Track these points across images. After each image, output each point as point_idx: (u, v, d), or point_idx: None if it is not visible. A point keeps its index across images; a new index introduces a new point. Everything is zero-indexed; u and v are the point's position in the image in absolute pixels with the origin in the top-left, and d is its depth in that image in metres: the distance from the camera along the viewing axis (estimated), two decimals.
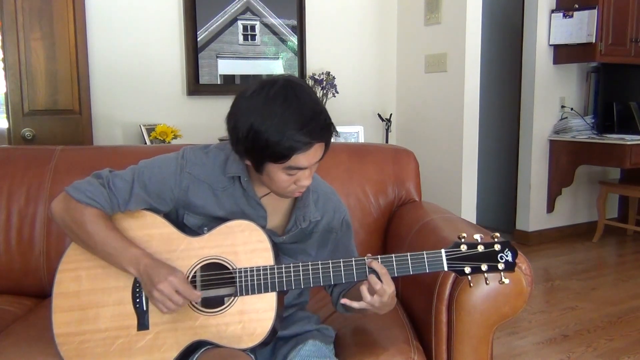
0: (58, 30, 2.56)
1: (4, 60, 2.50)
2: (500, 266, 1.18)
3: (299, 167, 1.15)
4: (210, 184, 1.28)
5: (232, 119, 1.17)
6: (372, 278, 1.16)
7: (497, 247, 1.19)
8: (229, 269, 1.22)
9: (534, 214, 4.26)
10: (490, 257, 1.18)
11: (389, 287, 1.17)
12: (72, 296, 1.24)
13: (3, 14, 2.44)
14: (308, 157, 1.14)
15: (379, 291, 1.16)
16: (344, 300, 1.20)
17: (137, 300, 1.23)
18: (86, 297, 1.24)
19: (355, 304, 1.18)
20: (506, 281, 1.19)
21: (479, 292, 1.32)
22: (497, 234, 1.21)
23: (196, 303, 1.22)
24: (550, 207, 4.32)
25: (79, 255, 1.26)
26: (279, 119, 1.10)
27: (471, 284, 1.21)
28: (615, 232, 4.50)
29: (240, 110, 1.16)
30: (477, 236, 1.20)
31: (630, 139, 3.86)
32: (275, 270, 1.20)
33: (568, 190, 4.37)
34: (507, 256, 1.19)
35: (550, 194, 4.30)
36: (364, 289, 1.16)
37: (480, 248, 1.18)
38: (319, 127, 1.13)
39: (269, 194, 1.29)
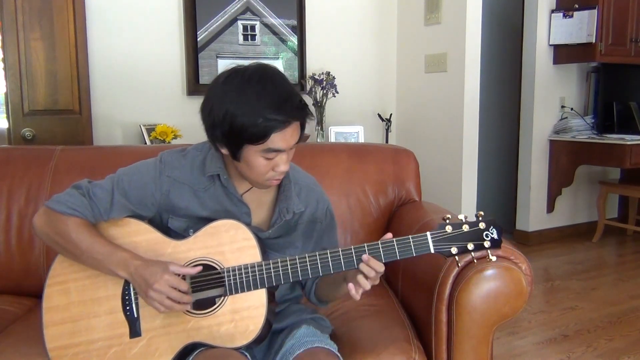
0: (58, 30, 2.56)
1: (4, 60, 2.50)
2: (487, 244, 1.18)
3: (277, 148, 1.16)
4: (191, 185, 1.28)
5: (208, 105, 1.18)
6: (365, 267, 1.16)
7: (482, 225, 1.19)
8: (217, 269, 1.22)
9: (534, 214, 4.26)
10: (475, 235, 1.18)
11: (380, 270, 1.17)
12: (62, 309, 1.24)
13: (3, 14, 2.44)
14: (285, 138, 1.16)
15: (373, 278, 1.17)
16: (351, 289, 1.18)
17: (128, 307, 1.23)
18: (76, 308, 1.24)
19: (354, 292, 1.18)
20: (493, 258, 1.19)
21: (479, 292, 1.32)
22: (482, 212, 1.20)
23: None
24: (550, 207, 4.32)
25: (65, 268, 1.26)
26: (255, 100, 1.12)
27: (459, 264, 1.22)
28: (615, 232, 4.50)
29: (215, 96, 1.17)
30: (461, 216, 1.20)
31: (630, 139, 3.86)
32: (263, 267, 1.20)
33: (568, 190, 4.37)
34: (492, 234, 1.19)
35: (550, 194, 4.30)
36: (361, 277, 1.17)
37: (465, 227, 1.18)
38: (295, 106, 1.16)
39: (250, 190, 1.29)
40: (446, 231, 1.18)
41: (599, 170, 4.60)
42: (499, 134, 4.60)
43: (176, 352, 1.21)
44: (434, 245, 1.18)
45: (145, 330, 1.22)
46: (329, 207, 1.41)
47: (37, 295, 1.75)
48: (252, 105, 1.12)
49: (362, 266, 1.17)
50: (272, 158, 1.18)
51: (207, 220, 1.25)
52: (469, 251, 1.18)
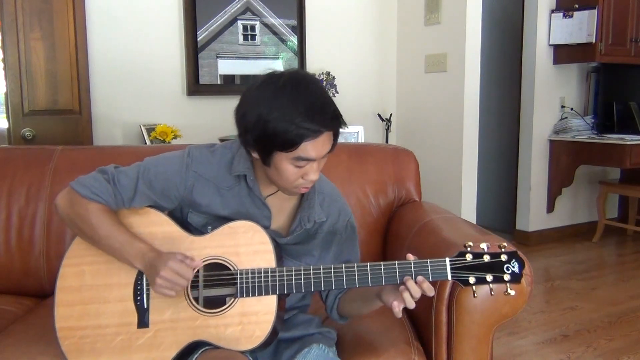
0: (58, 30, 2.56)
1: (4, 60, 2.50)
2: (506, 277, 1.14)
3: (308, 157, 1.14)
4: (215, 182, 1.27)
5: (241, 109, 1.17)
6: (411, 284, 1.14)
7: (503, 257, 1.15)
8: (230, 270, 1.22)
9: (533, 214, 4.26)
10: (496, 267, 1.15)
11: (429, 294, 1.16)
12: (74, 291, 1.25)
13: (3, 14, 2.44)
14: (317, 147, 1.14)
15: (415, 298, 1.15)
16: (395, 306, 1.16)
17: (139, 297, 1.23)
18: (88, 292, 1.24)
19: (397, 310, 1.16)
20: (512, 292, 1.14)
21: (479, 292, 1.31)
22: (505, 244, 1.17)
23: (197, 303, 1.21)
24: (550, 207, 4.32)
25: (83, 250, 1.26)
26: (288, 107, 1.10)
27: (475, 295, 1.17)
28: (615, 232, 4.50)
29: (249, 101, 1.16)
30: (483, 245, 1.16)
31: (630, 139, 3.86)
32: (277, 273, 1.20)
33: (568, 190, 4.37)
34: (513, 267, 1.15)
35: (550, 194, 4.30)
36: (407, 295, 1.14)
37: (486, 258, 1.15)
38: (328, 116, 1.14)
39: (274, 194, 1.28)
40: (466, 259, 1.15)
41: (599, 170, 4.60)
42: (499, 134, 4.60)
43: (181, 348, 1.21)
44: (451, 273, 1.15)
45: (153, 322, 1.22)
46: (350, 220, 1.39)
47: (37, 295, 1.77)
48: (285, 112, 1.10)
49: (410, 283, 1.14)
50: (302, 166, 1.16)
51: (227, 219, 1.25)
52: (487, 282, 1.15)
